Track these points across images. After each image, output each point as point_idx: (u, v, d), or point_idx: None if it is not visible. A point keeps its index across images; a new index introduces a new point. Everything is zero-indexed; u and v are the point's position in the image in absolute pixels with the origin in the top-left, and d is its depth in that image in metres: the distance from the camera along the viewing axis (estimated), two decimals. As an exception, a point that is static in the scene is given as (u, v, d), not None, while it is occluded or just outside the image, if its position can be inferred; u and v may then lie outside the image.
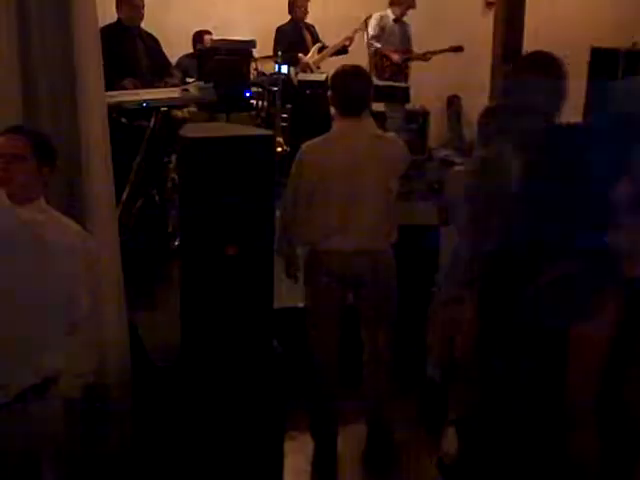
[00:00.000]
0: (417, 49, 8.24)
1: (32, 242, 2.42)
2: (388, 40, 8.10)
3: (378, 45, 8.03)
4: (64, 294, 2.50)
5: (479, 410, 2.31)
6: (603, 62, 8.14)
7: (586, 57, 8.29)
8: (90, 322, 2.70)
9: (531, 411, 2.12)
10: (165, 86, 5.97)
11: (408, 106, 8.24)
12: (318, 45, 8.06)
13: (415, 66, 8.30)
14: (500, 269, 2.20)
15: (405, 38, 8.19)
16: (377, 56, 8.01)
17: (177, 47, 7.43)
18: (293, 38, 7.92)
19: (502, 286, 2.17)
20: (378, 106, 7.04)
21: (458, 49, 8.05)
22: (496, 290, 2.20)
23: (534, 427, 2.13)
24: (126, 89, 5.55)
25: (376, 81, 6.76)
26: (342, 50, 7.96)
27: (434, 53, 8.14)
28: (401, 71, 8.17)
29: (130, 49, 5.99)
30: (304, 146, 4.00)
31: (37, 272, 2.41)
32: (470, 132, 9.44)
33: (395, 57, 8.07)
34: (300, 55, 7.89)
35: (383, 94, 7.09)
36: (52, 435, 2.52)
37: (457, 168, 4.43)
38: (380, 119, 6.31)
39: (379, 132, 4.09)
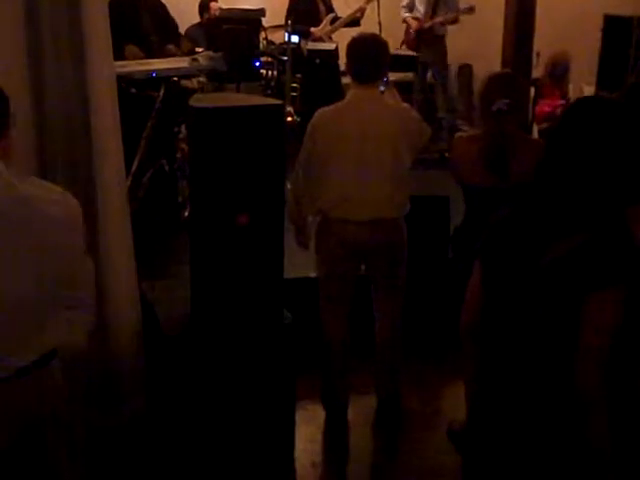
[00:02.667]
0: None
1: (26, 215, 2.28)
2: (417, 8, 8.04)
3: (406, 14, 7.99)
4: (63, 266, 2.38)
5: (484, 383, 2.30)
6: (616, 30, 8.04)
7: (599, 25, 8.19)
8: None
9: (539, 385, 2.11)
10: (169, 53, 5.94)
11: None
12: (331, 16, 7.99)
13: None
14: (509, 237, 2.17)
15: (439, 4, 7.97)
16: (405, 25, 7.98)
17: (185, 16, 7.37)
18: (306, 7, 7.86)
19: (510, 255, 2.14)
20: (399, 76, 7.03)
21: (470, 10, 7.86)
22: (504, 259, 2.17)
23: (541, 401, 2.11)
24: (126, 59, 5.51)
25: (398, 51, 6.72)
26: (355, 22, 7.90)
27: (447, 21, 8.00)
28: (438, 38, 8.06)
29: (134, 15, 5.94)
30: (317, 113, 3.96)
31: (33, 245, 2.29)
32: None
33: (413, 25, 7.99)
34: (313, 29, 7.83)
35: (397, 63, 7.04)
36: (54, 408, 2.51)
37: (461, 134, 4.40)
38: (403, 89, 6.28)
39: (395, 103, 4.05)
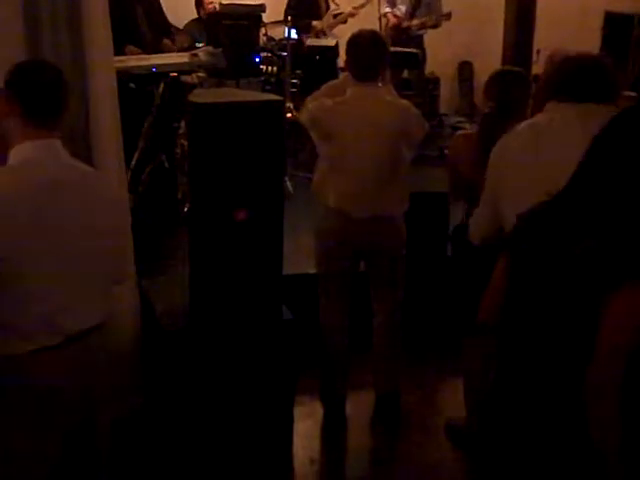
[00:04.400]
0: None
1: (86, 190, 2.51)
2: (398, 7, 7.99)
3: (387, 9, 7.94)
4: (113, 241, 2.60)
5: (496, 373, 2.30)
6: (617, 28, 8.04)
7: (600, 22, 8.18)
8: None
9: (551, 380, 2.11)
10: (166, 48, 5.93)
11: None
12: (332, 10, 7.99)
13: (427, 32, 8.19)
14: (538, 232, 2.16)
15: (420, 6, 7.94)
16: (384, 20, 7.92)
17: (182, 12, 7.36)
18: (306, 3, 7.85)
19: (538, 249, 2.13)
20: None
21: (446, 16, 7.79)
22: (530, 253, 2.16)
23: (552, 397, 2.11)
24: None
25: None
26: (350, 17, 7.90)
27: (423, 26, 7.90)
28: (413, 38, 8.01)
29: (129, 14, 5.92)
30: (316, 107, 3.93)
31: (98, 222, 2.51)
32: (481, 98, 9.38)
33: (391, 21, 7.91)
34: (314, 22, 7.82)
35: (395, 60, 7.03)
36: (107, 378, 2.67)
37: (460, 132, 4.39)
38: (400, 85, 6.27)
39: (394, 99, 4.05)
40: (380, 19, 7.77)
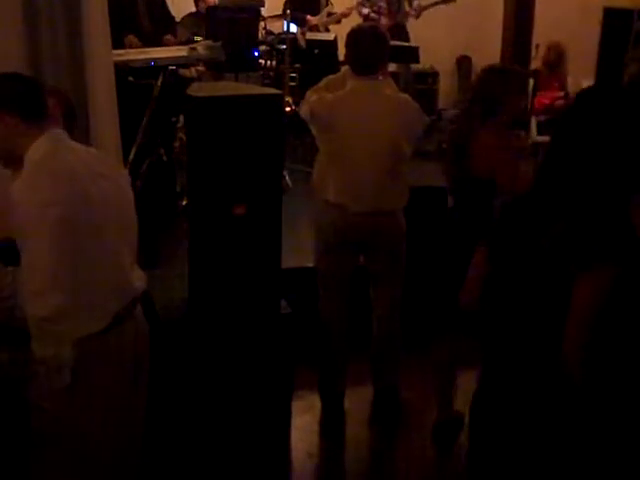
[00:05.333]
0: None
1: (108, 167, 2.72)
2: (376, 3, 7.91)
3: (365, 11, 7.88)
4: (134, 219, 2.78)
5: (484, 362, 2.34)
6: (616, 23, 8.02)
7: (599, 17, 8.17)
8: None
9: (532, 363, 2.14)
10: (167, 43, 5.91)
11: (417, 66, 8.14)
12: (329, 7, 7.98)
13: (424, 26, 8.16)
14: (516, 218, 2.19)
15: None
16: (366, 19, 7.85)
17: (181, 5, 7.34)
18: None
19: (515, 235, 2.17)
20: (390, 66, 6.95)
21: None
22: (509, 239, 2.20)
23: (533, 379, 2.14)
24: (127, 47, 5.50)
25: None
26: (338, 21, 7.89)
27: (425, 8, 7.87)
28: (400, 32, 7.96)
29: (130, 4, 5.91)
30: (316, 101, 3.93)
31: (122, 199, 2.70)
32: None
33: (383, 21, 7.86)
34: (309, 17, 7.81)
35: (392, 54, 6.98)
36: (144, 355, 2.81)
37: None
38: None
39: (394, 93, 4.04)
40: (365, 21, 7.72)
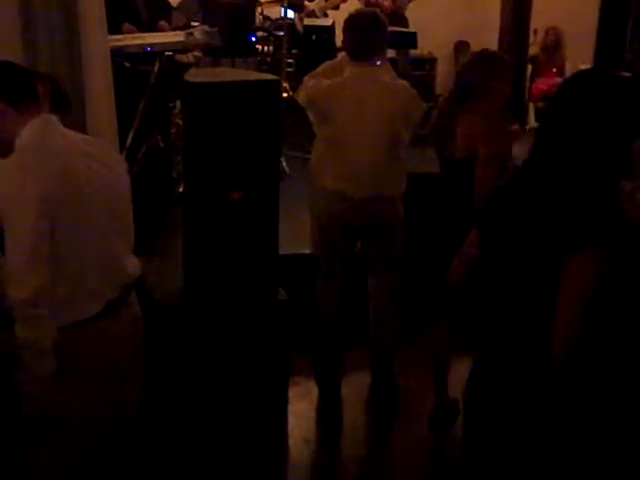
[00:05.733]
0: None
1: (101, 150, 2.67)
2: None
3: None
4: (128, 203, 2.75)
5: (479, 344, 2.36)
6: (614, 7, 7.99)
7: (597, 2, 8.14)
8: None
9: (523, 346, 2.16)
10: (161, 29, 5.89)
11: (415, 52, 8.11)
12: None
13: (422, 11, 8.12)
14: (506, 202, 2.20)
15: None
16: (370, 4, 7.80)
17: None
18: None
19: (506, 218, 2.18)
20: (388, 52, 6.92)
21: None
22: (499, 222, 2.21)
23: (524, 363, 2.16)
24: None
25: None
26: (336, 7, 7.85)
27: None
28: (399, 18, 7.93)
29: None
30: (313, 87, 3.91)
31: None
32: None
33: (385, 4, 7.83)
34: (306, 2, 7.77)
35: (390, 40, 6.95)
36: (139, 343, 2.79)
37: None
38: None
39: (392, 80, 4.02)
40: (363, 5, 7.68)
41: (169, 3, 6.51)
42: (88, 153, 2.56)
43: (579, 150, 2.03)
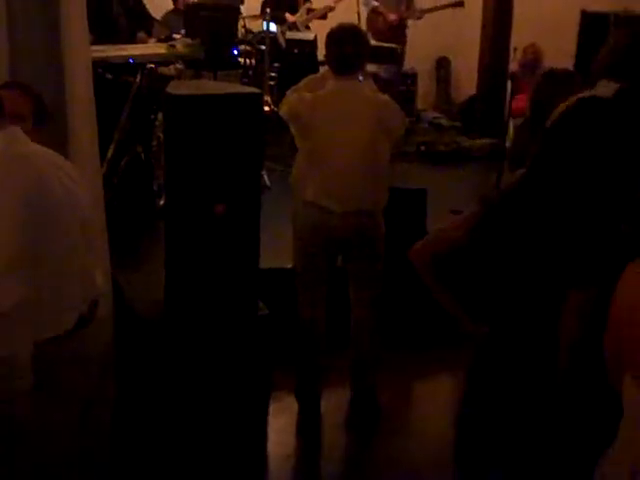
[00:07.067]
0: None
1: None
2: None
3: (375, 3, 7.88)
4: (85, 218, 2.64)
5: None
6: (593, 26, 8.07)
7: (576, 20, 8.22)
8: None
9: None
10: (140, 41, 5.88)
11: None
12: (307, 5, 7.97)
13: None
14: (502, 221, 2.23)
15: None
16: (374, 15, 7.86)
17: (161, 2, 7.29)
18: None
19: (505, 240, 2.20)
20: (371, 67, 6.97)
21: (458, 4, 7.77)
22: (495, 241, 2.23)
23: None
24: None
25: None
26: (325, 15, 7.89)
27: (431, 10, 7.88)
28: (399, 32, 7.98)
29: (107, 9, 5.85)
30: (295, 100, 3.90)
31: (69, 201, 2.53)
32: (458, 94, 9.41)
33: (392, 17, 7.86)
34: (287, 15, 7.80)
35: (375, 55, 6.99)
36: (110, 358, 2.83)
37: None
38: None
39: (374, 94, 4.03)
40: (359, 15, 7.73)
41: (149, 14, 6.49)
42: (58, 165, 2.53)
43: (580, 178, 2.06)
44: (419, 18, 7.94)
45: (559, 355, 2.13)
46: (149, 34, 6.29)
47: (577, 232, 2.07)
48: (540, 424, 2.25)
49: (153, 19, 6.61)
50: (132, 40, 5.83)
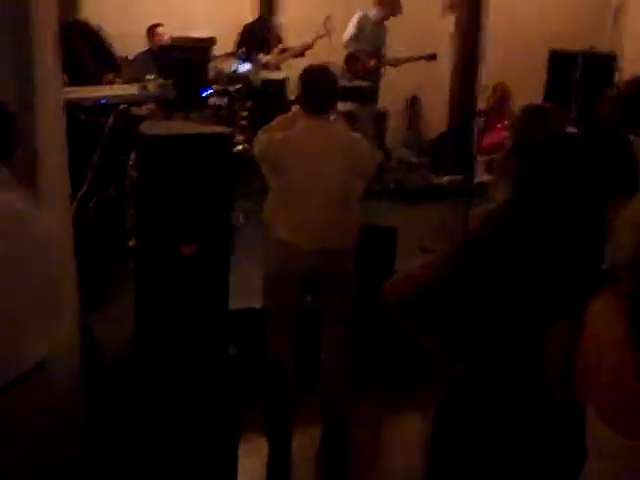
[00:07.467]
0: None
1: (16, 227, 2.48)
2: (363, 41, 8.03)
3: (354, 49, 7.99)
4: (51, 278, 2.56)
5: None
6: (561, 64, 8.22)
7: (544, 59, 8.37)
8: None
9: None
10: (107, 81, 5.88)
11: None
12: (280, 46, 8.06)
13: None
14: (489, 253, 2.27)
15: (380, 41, 8.01)
16: (352, 58, 7.96)
17: (137, 44, 7.35)
18: (260, 35, 7.91)
19: (489, 272, 2.24)
20: (346, 106, 7.05)
21: (432, 57, 7.95)
22: (482, 274, 2.27)
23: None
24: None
25: (343, 81, 6.71)
26: (300, 54, 7.97)
27: (406, 61, 8.06)
28: (373, 74, 8.09)
29: (75, 51, 5.85)
30: (266, 140, 3.94)
31: (21, 257, 2.44)
32: (428, 133, 9.52)
33: (371, 63, 7.97)
34: (260, 55, 7.88)
35: (350, 94, 7.08)
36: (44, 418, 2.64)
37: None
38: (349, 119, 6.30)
39: (345, 132, 4.08)
40: (347, 56, 7.83)
41: (115, 55, 6.50)
42: (19, 219, 2.46)
43: (562, 210, 2.12)
44: (395, 66, 8.06)
45: (543, 389, 2.15)
46: (118, 74, 6.29)
47: (561, 265, 2.11)
48: (518, 461, 2.26)
49: (120, 59, 6.62)
50: (99, 81, 5.83)
